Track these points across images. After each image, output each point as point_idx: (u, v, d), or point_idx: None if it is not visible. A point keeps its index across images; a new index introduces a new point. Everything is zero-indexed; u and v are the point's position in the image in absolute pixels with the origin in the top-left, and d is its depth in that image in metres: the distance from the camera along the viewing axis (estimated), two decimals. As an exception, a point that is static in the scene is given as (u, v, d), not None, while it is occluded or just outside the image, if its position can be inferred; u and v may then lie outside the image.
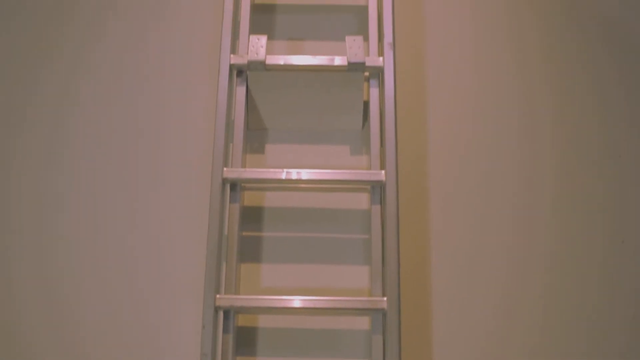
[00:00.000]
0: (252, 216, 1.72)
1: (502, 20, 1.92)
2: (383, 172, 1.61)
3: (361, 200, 1.73)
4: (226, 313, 1.57)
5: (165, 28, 1.90)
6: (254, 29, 1.85)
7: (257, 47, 1.68)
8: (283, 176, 1.62)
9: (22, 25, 1.90)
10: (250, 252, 1.70)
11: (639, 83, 1.87)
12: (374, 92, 1.72)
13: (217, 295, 1.52)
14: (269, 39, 1.85)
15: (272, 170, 1.63)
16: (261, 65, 1.67)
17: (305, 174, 1.62)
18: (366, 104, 1.76)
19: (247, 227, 1.71)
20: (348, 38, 1.69)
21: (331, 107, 1.75)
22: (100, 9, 1.91)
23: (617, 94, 1.86)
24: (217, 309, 1.52)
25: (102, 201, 1.75)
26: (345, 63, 1.67)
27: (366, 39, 1.80)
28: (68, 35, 1.89)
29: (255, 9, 1.89)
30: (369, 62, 1.69)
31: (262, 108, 1.76)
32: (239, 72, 1.73)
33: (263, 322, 1.65)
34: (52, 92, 1.84)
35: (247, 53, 1.69)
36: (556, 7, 1.93)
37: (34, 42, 1.88)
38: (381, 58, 1.70)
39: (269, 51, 1.83)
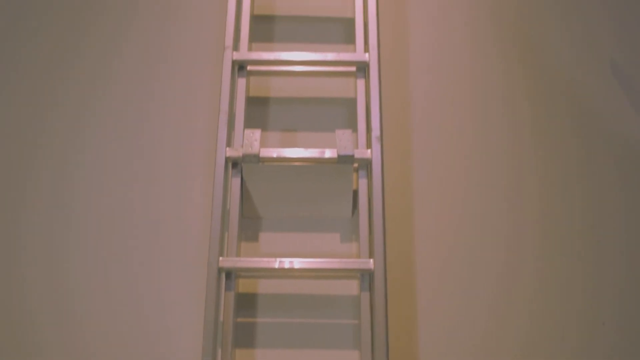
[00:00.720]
0: (247, 303, 1.79)
1: (491, 113, 2.01)
2: (371, 260, 1.69)
3: (351, 287, 1.80)
4: (221, 399, 1.63)
5: (161, 120, 1.99)
6: (249, 120, 1.94)
7: (252, 140, 1.78)
8: (276, 265, 1.69)
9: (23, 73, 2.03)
10: (245, 338, 1.76)
11: (630, 174, 1.96)
12: (363, 183, 1.81)
13: (213, 382, 1.58)
14: (262, 129, 1.95)
15: (265, 259, 1.70)
16: (255, 158, 1.76)
17: (298, 262, 1.70)
18: (355, 193, 1.85)
19: (242, 314, 1.77)
20: (338, 132, 1.78)
21: (322, 196, 1.84)
22: (91, 98, 2.01)
23: (608, 181, 1.95)
24: (212, 396, 1.58)
25: (100, 293, 1.81)
26: (335, 155, 1.76)
27: (355, 130, 1.89)
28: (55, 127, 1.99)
29: (250, 101, 1.99)
30: (358, 154, 1.78)
31: (256, 197, 1.84)
32: (234, 164, 1.81)
33: (257, 406, 1.71)
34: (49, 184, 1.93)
35: (242, 146, 1.78)
36: (551, 101, 2.04)
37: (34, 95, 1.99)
38: (369, 150, 1.79)
39: (263, 143, 1.92)
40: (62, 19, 2.10)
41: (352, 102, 1.98)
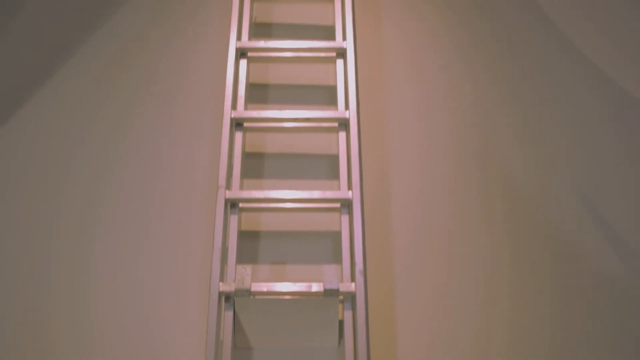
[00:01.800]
0: None
1: (470, 239, 2.15)
2: (357, 390, 1.79)
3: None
4: None
5: (157, 254, 2.12)
6: (241, 252, 2.07)
7: (243, 275, 1.90)
8: (267, 397, 1.79)
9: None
10: None
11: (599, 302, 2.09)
12: (348, 315, 1.92)
13: None
14: (253, 262, 2.09)
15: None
16: (247, 293, 1.88)
17: (287, 394, 1.80)
18: (341, 323, 1.95)
19: None
20: (324, 267, 1.91)
21: (310, 327, 1.94)
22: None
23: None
24: None
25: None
26: (322, 289, 1.88)
27: (340, 263, 2.03)
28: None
29: (241, 235, 2.12)
30: (343, 287, 1.90)
31: (248, 329, 1.94)
32: (226, 297, 1.93)
33: None
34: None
35: (234, 281, 1.90)
36: (528, 229, 2.18)
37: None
38: (353, 284, 1.92)
39: (254, 276, 2.04)
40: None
41: (337, 235, 2.12)
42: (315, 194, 2.08)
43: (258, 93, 2.40)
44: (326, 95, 2.39)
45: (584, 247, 2.15)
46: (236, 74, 2.30)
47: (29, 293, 2.04)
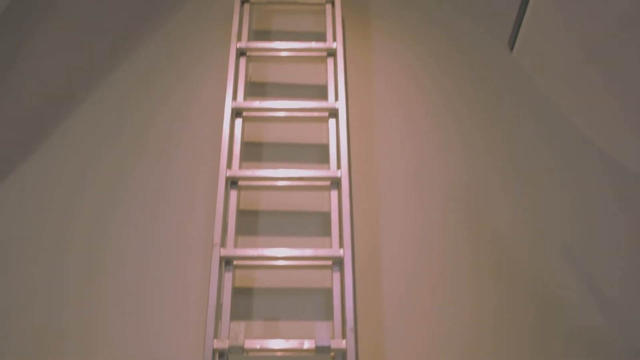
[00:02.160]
0: None
1: (457, 294, 2.20)
2: None
3: None
4: None
5: (152, 308, 2.16)
6: (235, 308, 2.12)
7: (237, 332, 1.95)
8: None
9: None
10: None
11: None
12: (339, 371, 1.98)
13: None
14: (247, 318, 2.13)
15: None
16: (240, 350, 1.93)
17: None
18: (335, 380, 2.01)
19: None
20: (316, 324, 1.97)
21: (302, 384, 2.00)
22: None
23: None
24: None
25: None
26: (313, 346, 1.93)
27: (331, 319, 2.08)
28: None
29: (235, 291, 2.17)
30: (334, 344, 1.96)
31: (241, 385, 1.99)
32: (220, 354, 1.98)
33: None
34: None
35: (228, 337, 1.95)
36: (514, 293, 2.24)
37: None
38: (344, 341, 1.97)
39: (248, 332, 2.09)
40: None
41: (329, 291, 2.17)
42: (308, 252, 2.14)
43: (252, 151, 2.46)
44: (319, 153, 2.46)
45: (568, 304, 2.21)
46: (231, 133, 2.37)
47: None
